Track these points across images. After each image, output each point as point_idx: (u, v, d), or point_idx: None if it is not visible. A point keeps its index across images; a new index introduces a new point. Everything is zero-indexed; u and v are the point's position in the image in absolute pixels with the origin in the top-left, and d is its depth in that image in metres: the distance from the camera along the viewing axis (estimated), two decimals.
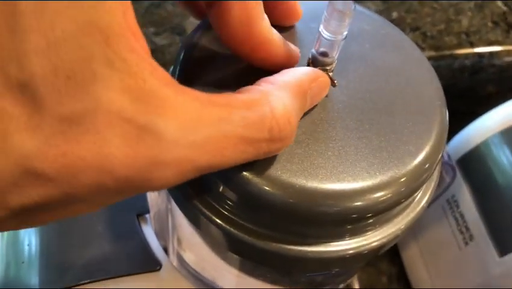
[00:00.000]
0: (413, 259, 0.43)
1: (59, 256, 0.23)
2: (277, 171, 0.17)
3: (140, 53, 0.12)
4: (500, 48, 0.44)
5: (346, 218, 0.17)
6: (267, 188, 0.17)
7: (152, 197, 0.25)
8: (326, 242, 0.18)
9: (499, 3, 0.46)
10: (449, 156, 0.28)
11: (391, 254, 0.46)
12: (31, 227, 0.14)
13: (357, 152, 0.18)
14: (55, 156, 0.11)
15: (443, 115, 0.20)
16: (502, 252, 0.34)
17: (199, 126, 0.13)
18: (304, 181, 0.17)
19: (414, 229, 0.43)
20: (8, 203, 0.12)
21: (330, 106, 0.19)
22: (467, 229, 0.37)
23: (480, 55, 0.43)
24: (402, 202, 0.19)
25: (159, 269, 0.23)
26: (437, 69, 0.45)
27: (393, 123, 0.19)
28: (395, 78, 0.20)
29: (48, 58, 0.11)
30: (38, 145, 0.11)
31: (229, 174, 0.17)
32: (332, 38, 0.17)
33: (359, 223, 0.18)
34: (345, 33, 0.17)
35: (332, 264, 0.19)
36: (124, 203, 0.23)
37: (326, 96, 0.19)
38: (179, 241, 0.26)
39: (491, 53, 0.43)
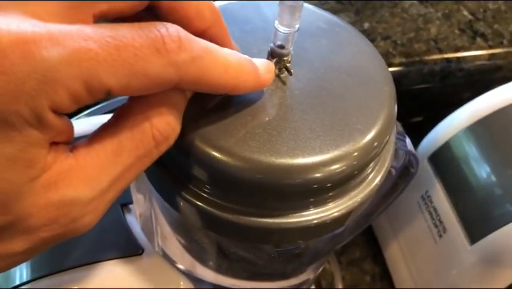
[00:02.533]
0: (395, 257, 0.45)
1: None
2: (242, 149, 0.19)
3: None
4: (467, 53, 0.46)
5: (308, 189, 0.20)
6: (233, 164, 0.19)
7: (136, 190, 0.27)
8: (292, 214, 0.20)
9: (465, 12, 0.49)
10: (412, 147, 0.30)
11: (374, 254, 0.47)
12: None
13: (312, 131, 0.20)
14: None
15: (391, 99, 0.22)
16: (473, 240, 0.35)
17: (103, 177, 0.16)
18: (267, 157, 0.19)
19: (394, 228, 0.45)
20: None
21: (288, 92, 0.21)
22: (441, 222, 0.38)
23: (448, 60, 0.46)
24: (356, 176, 0.21)
25: (141, 253, 0.24)
26: (408, 74, 0.48)
27: (344, 106, 0.21)
28: (348, 68, 0.22)
29: None
30: None
31: (200, 156, 0.19)
32: (287, 32, 0.20)
33: (320, 194, 0.20)
34: (297, 26, 0.20)
35: (299, 234, 0.21)
36: None
37: (285, 84, 0.21)
38: (162, 233, 0.28)
39: (458, 59, 0.46)
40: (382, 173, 0.22)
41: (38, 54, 0.14)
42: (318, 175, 0.19)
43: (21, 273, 0.24)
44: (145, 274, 0.24)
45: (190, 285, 0.25)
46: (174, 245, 0.28)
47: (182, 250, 0.27)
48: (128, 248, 0.24)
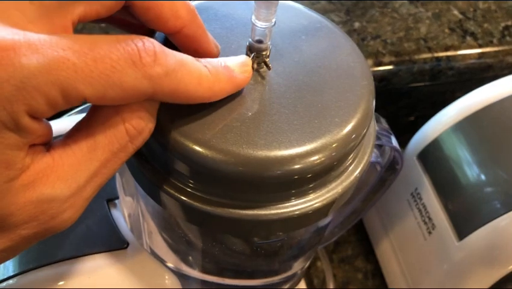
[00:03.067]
0: (386, 255, 0.45)
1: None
2: (219, 142, 0.19)
3: None
4: (457, 52, 0.47)
5: (287, 180, 0.20)
6: (211, 157, 0.19)
7: (122, 187, 0.27)
8: (274, 205, 0.21)
9: (455, 11, 0.49)
10: (397, 144, 0.30)
11: (366, 252, 0.48)
12: None
13: (289, 124, 0.20)
14: None
15: (369, 93, 0.22)
16: (460, 236, 0.36)
17: (79, 174, 0.17)
18: (245, 149, 0.19)
19: (385, 225, 0.45)
20: None
21: (267, 87, 0.21)
22: (430, 219, 0.39)
23: (438, 59, 0.46)
24: (335, 167, 0.21)
25: (126, 247, 0.25)
26: (398, 73, 0.48)
27: (322, 100, 0.21)
28: (327, 63, 0.23)
29: None
30: None
31: (178, 150, 0.19)
32: (264, 26, 0.20)
33: (300, 186, 0.21)
34: (274, 20, 0.20)
35: (282, 226, 0.21)
36: None
37: (264, 78, 0.21)
38: (149, 233, 0.28)
39: (448, 57, 0.46)
40: (361, 165, 0.23)
41: (17, 61, 0.14)
42: (295, 167, 0.20)
43: (7, 266, 0.25)
44: (130, 267, 0.25)
45: (175, 279, 0.25)
46: (160, 244, 0.28)
47: (168, 248, 0.28)
48: (113, 242, 0.25)
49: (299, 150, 0.20)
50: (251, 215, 0.21)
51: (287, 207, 0.21)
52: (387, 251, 0.45)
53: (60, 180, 0.16)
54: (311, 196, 0.21)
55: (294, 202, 0.21)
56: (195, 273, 0.29)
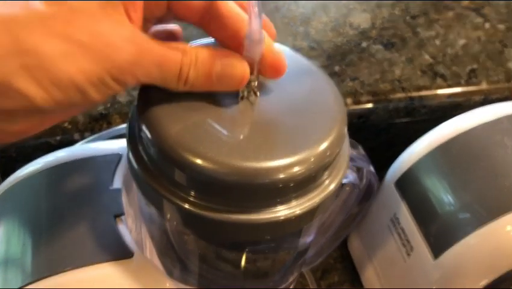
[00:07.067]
0: (370, 279, 0.48)
1: (49, 252, 0.28)
2: (215, 154, 0.23)
3: None
4: (428, 92, 0.51)
5: (273, 188, 0.23)
6: (208, 167, 0.23)
7: (128, 203, 0.31)
8: (263, 210, 0.24)
9: (427, 56, 0.55)
10: (372, 168, 0.34)
11: (352, 279, 0.50)
12: None
13: (275, 140, 0.24)
14: None
15: (342, 116, 0.26)
16: (436, 255, 0.39)
17: None
18: (237, 161, 0.23)
19: (369, 251, 0.48)
20: None
21: (255, 111, 0.25)
22: (408, 241, 0.42)
23: (411, 98, 0.51)
24: (313, 179, 0.25)
25: (131, 257, 0.28)
26: (375, 111, 0.53)
27: (303, 123, 0.25)
28: (306, 92, 0.27)
29: None
30: None
31: (177, 161, 0.23)
32: (251, 60, 0.24)
33: (285, 194, 0.24)
34: (259, 56, 0.24)
35: (269, 229, 0.25)
36: (104, 206, 0.29)
37: (252, 104, 0.25)
38: (150, 246, 0.31)
39: (421, 97, 0.51)
40: (336, 180, 0.26)
41: None
42: (280, 176, 0.23)
43: (17, 276, 0.27)
44: (135, 275, 0.27)
45: (176, 286, 0.28)
46: (156, 258, 0.31)
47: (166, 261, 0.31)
48: (120, 252, 0.28)
49: (283, 162, 0.23)
50: (242, 219, 0.24)
51: (273, 212, 0.24)
52: (371, 276, 0.48)
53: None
54: (294, 203, 0.25)
55: (279, 208, 0.24)
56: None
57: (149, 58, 0.22)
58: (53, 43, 0.19)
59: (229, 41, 0.24)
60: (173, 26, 0.26)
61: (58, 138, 0.43)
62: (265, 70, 0.25)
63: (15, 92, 0.19)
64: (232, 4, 0.24)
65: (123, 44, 0.21)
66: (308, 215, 0.25)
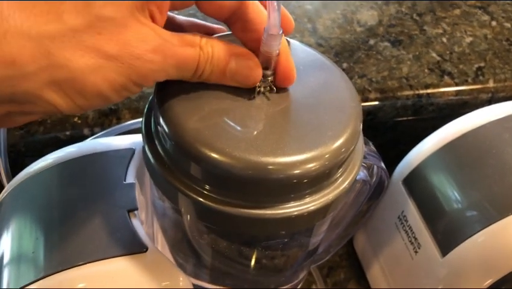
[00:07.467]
0: (376, 277, 0.48)
1: (62, 246, 0.28)
2: (233, 149, 0.23)
3: None
4: (436, 90, 0.51)
5: (287, 184, 0.23)
6: (225, 162, 0.23)
7: (141, 197, 0.31)
8: (277, 206, 0.24)
9: (434, 54, 0.55)
10: (383, 165, 0.34)
11: (358, 276, 0.50)
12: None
13: (291, 136, 0.24)
14: None
15: (357, 113, 0.26)
16: (444, 252, 0.39)
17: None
18: (254, 156, 0.23)
19: (375, 249, 0.48)
20: None
21: (272, 106, 0.25)
22: (415, 238, 0.42)
23: (419, 96, 0.51)
24: (328, 176, 0.25)
25: (145, 251, 0.28)
26: (383, 108, 0.53)
27: (318, 118, 0.25)
28: (321, 88, 0.27)
29: None
30: None
31: (195, 155, 0.23)
32: (268, 55, 0.24)
33: (298, 190, 0.24)
34: (277, 51, 0.24)
35: (281, 225, 0.25)
36: (117, 201, 0.29)
37: (269, 100, 0.25)
38: (161, 242, 0.32)
39: (428, 94, 0.51)
40: (350, 178, 0.26)
41: None
42: (295, 172, 0.23)
43: (32, 270, 0.27)
44: (149, 269, 0.27)
45: (188, 280, 0.28)
46: (169, 253, 0.31)
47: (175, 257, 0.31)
48: (133, 247, 0.28)
49: (299, 158, 0.23)
50: (257, 214, 0.24)
51: (286, 208, 0.24)
52: (377, 274, 0.48)
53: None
54: (307, 200, 0.25)
55: (293, 204, 0.24)
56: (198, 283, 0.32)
57: (171, 62, 0.22)
58: (84, 57, 0.20)
59: (251, 44, 0.25)
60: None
61: (68, 133, 0.43)
62: (276, 76, 0.25)
63: (43, 102, 0.21)
64: (260, 9, 0.24)
65: (150, 56, 0.21)
66: (321, 212, 0.25)
